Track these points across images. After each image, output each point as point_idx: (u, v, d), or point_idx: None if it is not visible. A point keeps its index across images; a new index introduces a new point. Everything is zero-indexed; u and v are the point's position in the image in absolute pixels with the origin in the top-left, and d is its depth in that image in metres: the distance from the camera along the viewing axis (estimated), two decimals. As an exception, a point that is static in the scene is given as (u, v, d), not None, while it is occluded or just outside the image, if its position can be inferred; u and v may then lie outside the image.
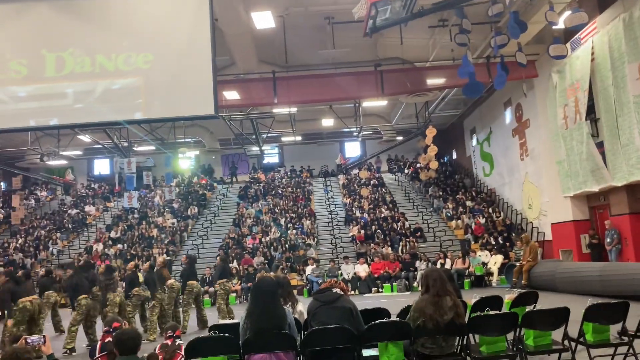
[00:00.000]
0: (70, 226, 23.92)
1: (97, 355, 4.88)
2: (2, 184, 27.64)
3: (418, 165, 25.89)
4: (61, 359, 8.11)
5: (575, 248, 14.67)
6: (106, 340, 4.94)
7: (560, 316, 4.68)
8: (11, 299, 8.99)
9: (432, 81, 15.72)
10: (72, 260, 18.35)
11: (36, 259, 20.82)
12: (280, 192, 25.42)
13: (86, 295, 9.21)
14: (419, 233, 19.70)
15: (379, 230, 19.94)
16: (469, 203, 21.30)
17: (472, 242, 18.45)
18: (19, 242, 22.14)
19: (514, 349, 4.71)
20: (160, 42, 10.76)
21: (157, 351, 4.84)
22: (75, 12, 10.85)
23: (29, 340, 4.24)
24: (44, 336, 4.38)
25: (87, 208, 25.52)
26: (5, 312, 9.15)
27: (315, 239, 20.35)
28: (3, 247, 21.79)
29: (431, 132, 18.28)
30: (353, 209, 22.44)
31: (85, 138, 22.07)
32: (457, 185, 23.88)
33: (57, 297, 10.94)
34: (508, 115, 19.01)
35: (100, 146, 23.27)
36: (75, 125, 13.93)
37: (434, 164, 19.74)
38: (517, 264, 13.99)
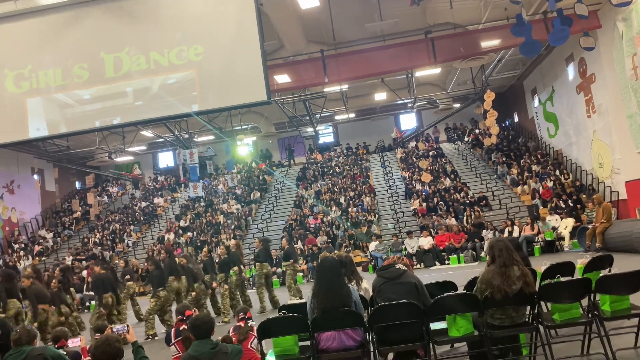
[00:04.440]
0: (141, 218, 25.11)
1: (173, 341, 5.12)
2: (77, 183, 29.35)
3: (478, 131, 25.15)
4: (144, 344, 8.60)
5: (654, 206, 13.87)
6: (181, 327, 5.16)
7: (637, 279, 4.45)
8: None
9: (486, 43, 15.09)
10: (153, 252, 19.18)
11: (114, 251, 22.09)
12: (337, 171, 25.48)
13: (164, 287, 9.70)
14: (483, 202, 19.21)
15: (441, 202, 19.61)
16: (534, 167, 20.50)
17: (541, 207, 17.79)
18: (97, 236, 23.51)
19: (589, 315, 4.55)
20: (209, 33, 10.93)
21: (230, 333, 5.02)
22: (127, 13, 11.20)
23: (114, 329, 4.52)
24: (127, 325, 4.66)
25: (156, 200, 26.67)
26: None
27: (377, 215, 20.30)
28: (84, 242, 23.23)
29: (489, 96, 17.66)
30: (413, 182, 22.17)
31: (147, 133, 22.97)
32: (521, 149, 23.00)
33: (135, 287, 11.60)
34: (571, 71, 18.01)
35: (162, 140, 24.17)
36: (137, 123, 14.45)
37: (495, 129, 19.10)
38: (590, 226, 13.39)
